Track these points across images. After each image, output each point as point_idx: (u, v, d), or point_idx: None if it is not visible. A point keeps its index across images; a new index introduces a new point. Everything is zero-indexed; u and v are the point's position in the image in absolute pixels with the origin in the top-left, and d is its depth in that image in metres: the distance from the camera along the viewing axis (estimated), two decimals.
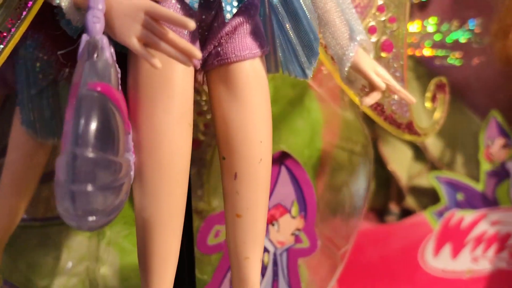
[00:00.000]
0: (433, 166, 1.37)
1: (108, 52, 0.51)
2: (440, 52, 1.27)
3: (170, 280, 0.60)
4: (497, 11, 1.19)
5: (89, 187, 0.46)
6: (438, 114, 0.88)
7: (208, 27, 0.62)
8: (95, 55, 0.50)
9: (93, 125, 0.46)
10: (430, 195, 1.33)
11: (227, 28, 0.62)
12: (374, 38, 0.77)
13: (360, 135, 0.91)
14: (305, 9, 0.62)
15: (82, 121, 0.46)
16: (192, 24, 0.52)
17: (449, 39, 1.30)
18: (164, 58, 0.55)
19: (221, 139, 0.64)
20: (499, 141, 1.28)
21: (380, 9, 0.78)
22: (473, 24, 1.28)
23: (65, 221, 0.48)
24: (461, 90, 1.31)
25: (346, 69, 0.68)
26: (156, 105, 0.57)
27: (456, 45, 1.31)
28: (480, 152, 1.29)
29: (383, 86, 0.69)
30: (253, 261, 0.64)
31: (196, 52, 0.53)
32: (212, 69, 0.63)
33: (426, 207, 1.30)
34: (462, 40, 1.31)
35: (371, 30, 0.77)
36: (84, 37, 0.51)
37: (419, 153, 1.39)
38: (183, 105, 0.59)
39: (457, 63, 1.31)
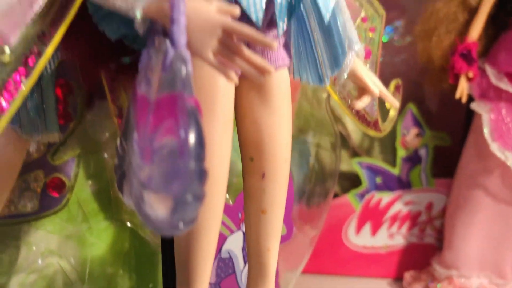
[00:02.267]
0: (354, 152, 1.48)
1: (191, 65, 0.52)
2: None
3: (208, 276, 0.63)
4: (421, 14, 1.31)
5: (189, 197, 0.47)
6: (393, 112, 0.98)
7: None
8: (184, 68, 0.51)
9: (197, 138, 0.48)
10: (351, 179, 1.45)
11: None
12: None
13: (329, 130, 0.98)
14: (339, 25, 0.67)
15: (190, 135, 0.48)
16: (275, 44, 0.54)
17: None
18: (208, 68, 0.57)
19: (250, 141, 0.67)
20: (414, 131, 1.42)
21: (364, 19, 0.86)
22: (398, 25, 1.40)
23: (154, 229, 0.49)
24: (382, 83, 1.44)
25: (345, 76, 0.75)
26: (204, 114, 0.58)
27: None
28: (397, 140, 1.42)
29: (377, 93, 0.76)
30: (273, 252, 0.69)
31: (270, 68, 0.55)
32: (246, 77, 0.66)
33: (347, 190, 1.42)
34: (385, 39, 1.43)
35: None
36: (171, 51, 0.51)
37: (342, 140, 1.49)
38: (227, 112, 0.61)
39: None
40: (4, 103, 0.53)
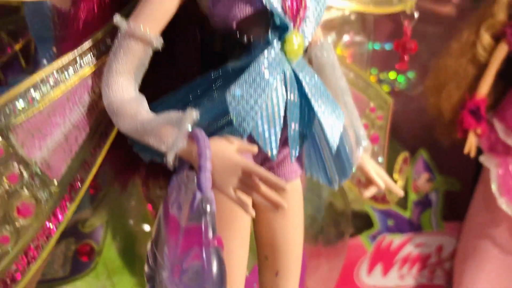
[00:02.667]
0: None
1: (215, 205, 0.59)
2: None
3: None
4: (433, 65, 1.35)
5: None
6: (401, 183, 1.04)
7: (264, 158, 0.71)
8: (209, 208, 0.57)
9: (219, 271, 0.55)
10: (363, 219, 1.50)
11: (280, 158, 0.72)
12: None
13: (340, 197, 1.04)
14: (345, 145, 0.73)
15: (213, 270, 0.56)
16: (287, 188, 0.60)
17: (386, 88, 1.46)
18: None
19: (265, 243, 0.74)
20: (425, 176, 1.47)
21: (372, 109, 0.92)
22: (410, 76, 1.44)
23: None
24: (395, 131, 1.49)
25: (353, 170, 0.81)
26: (225, 234, 0.64)
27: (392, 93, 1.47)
28: (409, 184, 1.47)
29: (383, 186, 0.83)
30: None
31: (283, 204, 0.62)
32: None
33: (360, 230, 1.47)
34: (397, 88, 1.47)
35: (364, 126, 0.90)
36: (198, 195, 0.58)
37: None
38: (244, 231, 0.68)
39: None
40: (52, 227, 0.61)
